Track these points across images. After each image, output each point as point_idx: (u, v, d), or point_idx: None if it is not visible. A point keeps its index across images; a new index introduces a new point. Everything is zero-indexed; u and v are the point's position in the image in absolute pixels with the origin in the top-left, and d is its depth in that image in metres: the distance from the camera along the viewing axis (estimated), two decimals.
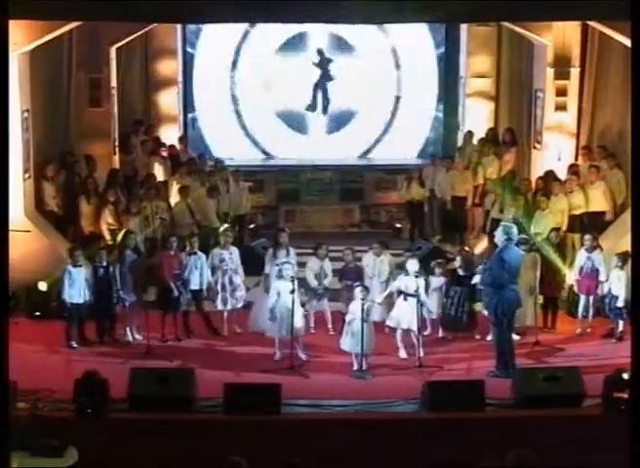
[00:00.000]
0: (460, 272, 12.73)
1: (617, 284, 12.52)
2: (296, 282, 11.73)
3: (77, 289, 12.35)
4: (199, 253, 12.91)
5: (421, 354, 11.72)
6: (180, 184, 15.93)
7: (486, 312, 11.78)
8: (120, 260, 12.68)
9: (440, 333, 12.83)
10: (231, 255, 12.93)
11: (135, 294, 12.60)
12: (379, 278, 12.93)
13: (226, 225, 14.46)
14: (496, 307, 11.33)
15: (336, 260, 13.23)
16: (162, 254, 12.89)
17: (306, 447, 9.34)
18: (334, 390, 11.00)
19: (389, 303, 12.45)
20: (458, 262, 12.89)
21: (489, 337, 11.95)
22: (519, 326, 12.35)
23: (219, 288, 12.87)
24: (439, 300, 12.69)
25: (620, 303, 12.37)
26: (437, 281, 12.74)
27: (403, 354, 12.02)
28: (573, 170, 15.51)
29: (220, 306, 12.92)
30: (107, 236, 14.49)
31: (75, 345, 12.33)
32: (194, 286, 12.81)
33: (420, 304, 11.90)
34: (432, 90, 20.02)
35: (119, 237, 13.64)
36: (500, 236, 11.50)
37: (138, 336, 12.50)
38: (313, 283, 12.84)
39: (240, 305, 12.96)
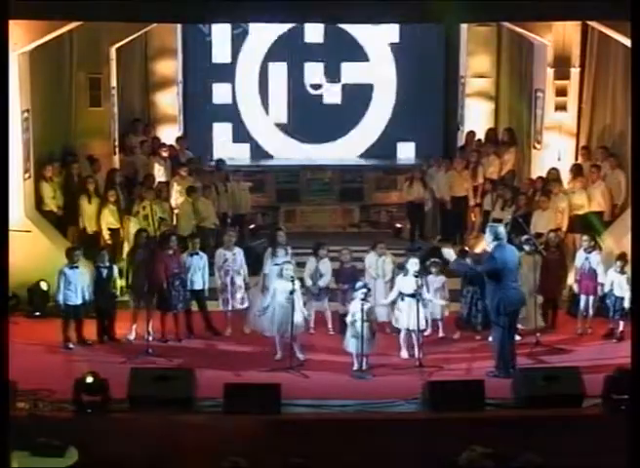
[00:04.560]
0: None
1: (620, 285, 12.51)
2: (296, 282, 11.73)
3: (74, 290, 12.34)
4: (201, 253, 12.95)
5: (421, 354, 11.73)
6: (182, 185, 15.94)
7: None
8: (133, 259, 12.70)
9: (440, 333, 12.83)
10: (235, 256, 12.94)
11: (140, 294, 12.61)
12: (383, 278, 12.92)
13: (229, 227, 14.52)
14: (498, 305, 11.31)
15: (336, 261, 13.21)
16: (162, 254, 12.88)
17: (306, 447, 9.33)
18: (334, 390, 10.99)
19: (394, 304, 12.46)
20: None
21: (490, 338, 11.93)
22: (524, 328, 12.38)
23: (221, 288, 12.89)
24: (441, 300, 12.68)
25: (627, 304, 12.30)
26: (437, 281, 12.73)
27: (405, 354, 12.03)
28: (575, 169, 15.52)
29: (222, 307, 12.94)
30: (106, 236, 14.51)
31: (72, 346, 12.32)
32: (197, 286, 12.85)
33: (423, 304, 11.91)
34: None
35: (122, 236, 13.67)
36: (488, 238, 11.53)
37: (144, 336, 12.42)
38: (308, 282, 12.83)
39: (242, 306, 12.95)
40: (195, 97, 19.77)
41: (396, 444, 9.72)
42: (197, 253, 12.92)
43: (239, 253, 13.01)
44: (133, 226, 14.15)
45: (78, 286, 12.35)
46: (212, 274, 13.02)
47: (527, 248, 12.61)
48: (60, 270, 12.39)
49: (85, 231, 14.83)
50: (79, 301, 12.37)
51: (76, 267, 12.41)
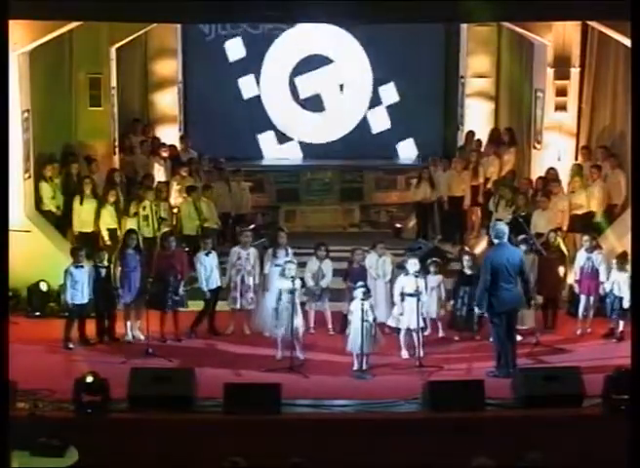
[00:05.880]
0: (468, 272, 12.72)
1: (620, 285, 12.50)
2: (296, 281, 11.74)
3: (80, 289, 12.36)
4: (214, 252, 12.98)
5: (422, 354, 11.73)
6: (182, 184, 15.95)
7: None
8: (122, 260, 12.69)
9: (440, 333, 12.82)
10: (249, 256, 12.94)
11: (135, 294, 12.60)
12: (383, 278, 12.92)
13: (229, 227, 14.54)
14: (489, 307, 11.32)
15: (336, 260, 13.22)
16: (163, 254, 12.89)
17: (306, 447, 9.34)
18: (334, 390, 10.99)
19: (393, 304, 12.45)
20: (466, 262, 12.84)
21: (492, 338, 11.92)
22: (521, 328, 12.36)
23: (231, 286, 12.90)
24: (438, 300, 12.68)
25: (626, 304, 12.28)
26: (434, 280, 12.72)
27: (405, 354, 12.02)
28: (575, 169, 15.53)
29: (230, 305, 12.94)
30: (106, 236, 14.49)
31: (72, 346, 12.32)
32: (215, 284, 12.89)
33: (421, 304, 11.91)
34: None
35: (121, 236, 13.64)
36: (492, 236, 11.54)
37: (140, 336, 12.47)
38: (310, 283, 12.83)
39: (250, 307, 12.94)
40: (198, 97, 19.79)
41: (396, 444, 9.73)
42: (211, 253, 12.96)
43: (253, 253, 13.00)
44: (132, 227, 14.13)
45: (84, 285, 12.39)
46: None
47: (523, 247, 12.59)
48: (67, 270, 12.40)
49: (80, 232, 14.75)
50: (85, 300, 12.41)
51: (82, 266, 12.43)
